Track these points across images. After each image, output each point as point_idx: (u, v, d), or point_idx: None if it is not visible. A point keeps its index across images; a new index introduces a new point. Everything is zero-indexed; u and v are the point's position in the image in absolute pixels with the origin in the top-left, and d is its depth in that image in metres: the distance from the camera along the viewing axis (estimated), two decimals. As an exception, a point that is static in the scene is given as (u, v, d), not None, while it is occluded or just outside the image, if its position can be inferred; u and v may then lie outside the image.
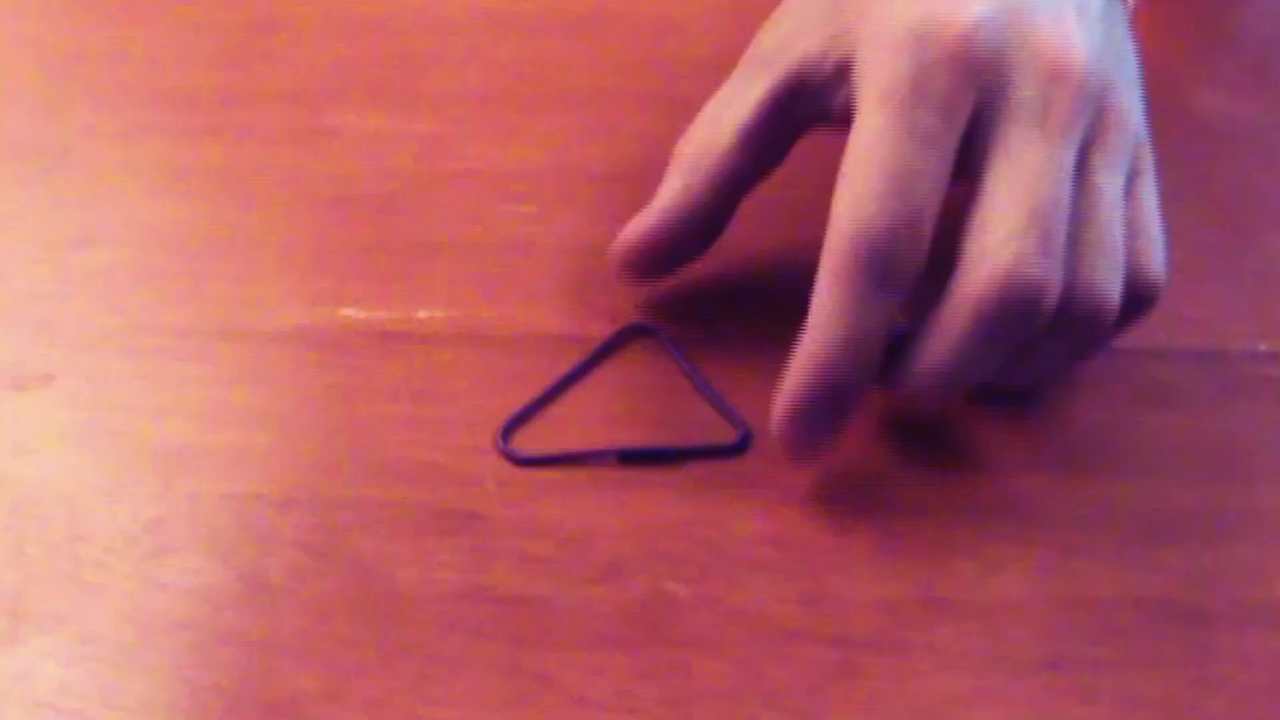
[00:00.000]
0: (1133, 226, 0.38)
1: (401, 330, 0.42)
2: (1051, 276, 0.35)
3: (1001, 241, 0.35)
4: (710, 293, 0.42)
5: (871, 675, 0.35)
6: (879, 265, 0.35)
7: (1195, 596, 0.37)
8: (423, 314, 0.42)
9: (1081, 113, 0.36)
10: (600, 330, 0.42)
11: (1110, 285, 0.36)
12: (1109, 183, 0.37)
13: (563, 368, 0.41)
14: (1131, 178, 0.38)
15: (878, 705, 0.34)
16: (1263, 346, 0.43)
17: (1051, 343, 0.37)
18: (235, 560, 0.36)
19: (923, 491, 0.39)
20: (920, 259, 0.35)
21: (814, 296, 0.36)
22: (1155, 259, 0.38)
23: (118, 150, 0.47)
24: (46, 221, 0.45)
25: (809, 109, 0.39)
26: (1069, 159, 0.36)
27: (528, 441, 0.39)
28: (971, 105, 0.36)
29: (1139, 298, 0.38)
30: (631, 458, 0.39)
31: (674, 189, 0.40)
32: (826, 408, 0.36)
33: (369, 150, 0.47)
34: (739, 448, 0.39)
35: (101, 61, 0.51)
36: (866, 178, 0.35)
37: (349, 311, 0.42)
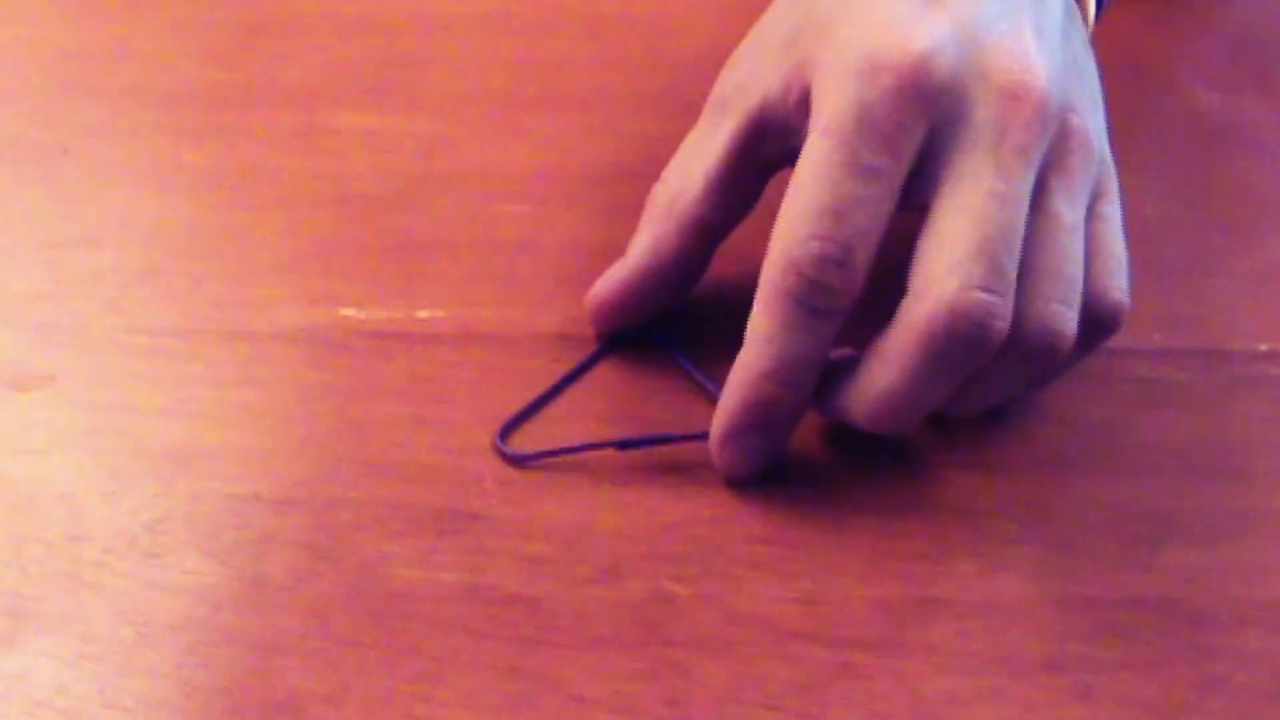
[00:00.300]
0: (1095, 250, 0.37)
1: (401, 330, 0.42)
2: (999, 306, 0.35)
3: (947, 270, 0.35)
4: (710, 294, 0.42)
5: (871, 675, 0.35)
6: (807, 293, 0.35)
7: (1195, 596, 0.37)
8: (423, 314, 0.42)
9: (1040, 135, 0.36)
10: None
11: (1064, 314, 0.36)
12: (1068, 208, 0.36)
13: (563, 368, 0.41)
14: (1094, 199, 0.38)
15: (878, 705, 0.34)
16: (1263, 346, 0.43)
17: (1004, 371, 0.36)
18: (235, 560, 0.36)
19: (922, 491, 0.39)
20: (853, 288, 0.35)
21: (749, 321, 0.36)
22: (1117, 282, 0.38)
23: (118, 150, 0.47)
24: (46, 221, 0.45)
25: (776, 148, 0.39)
26: (1024, 184, 0.35)
27: (527, 442, 0.39)
28: (922, 135, 0.35)
29: (1101, 322, 0.37)
30: (631, 445, 0.39)
31: (645, 241, 0.40)
32: (758, 428, 0.37)
33: (369, 150, 0.47)
34: None
35: (101, 61, 0.51)
36: (801, 207, 0.35)
37: (349, 311, 0.42)
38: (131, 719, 0.34)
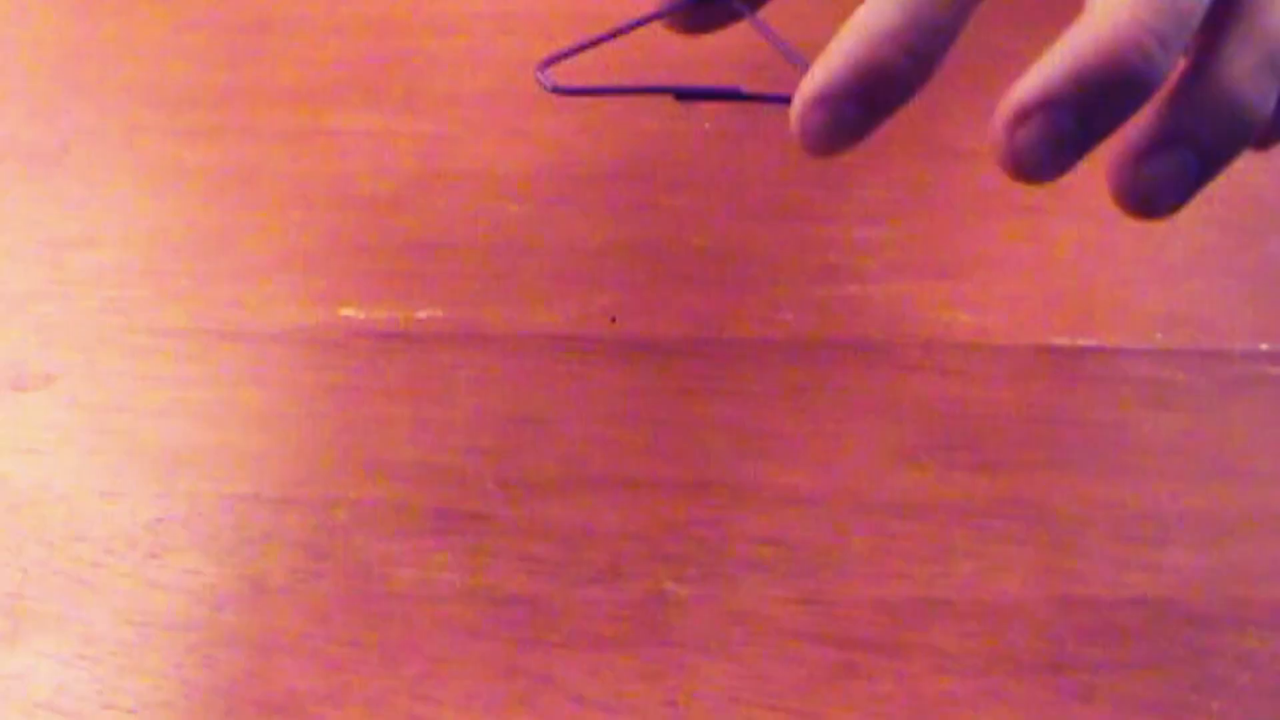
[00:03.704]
0: None
1: (401, 330, 0.42)
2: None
3: None
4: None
5: (871, 675, 0.35)
6: None
7: (1195, 596, 0.37)
8: (423, 314, 0.42)
9: None
10: (600, 330, 0.42)
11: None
12: None
13: (562, 367, 0.41)
14: None
15: (878, 705, 0.34)
16: (1263, 346, 0.43)
17: None
18: (235, 560, 0.36)
19: (923, 491, 0.39)
20: None
21: None
22: None
23: (117, 150, 0.47)
24: (46, 221, 0.45)
25: None
26: None
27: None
28: None
29: None
30: (690, 96, 0.34)
31: None
32: (861, 97, 0.30)
33: (369, 150, 0.47)
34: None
35: (101, 61, 0.51)
36: None
37: (349, 311, 0.42)
38: (131, 719, 0.34)
